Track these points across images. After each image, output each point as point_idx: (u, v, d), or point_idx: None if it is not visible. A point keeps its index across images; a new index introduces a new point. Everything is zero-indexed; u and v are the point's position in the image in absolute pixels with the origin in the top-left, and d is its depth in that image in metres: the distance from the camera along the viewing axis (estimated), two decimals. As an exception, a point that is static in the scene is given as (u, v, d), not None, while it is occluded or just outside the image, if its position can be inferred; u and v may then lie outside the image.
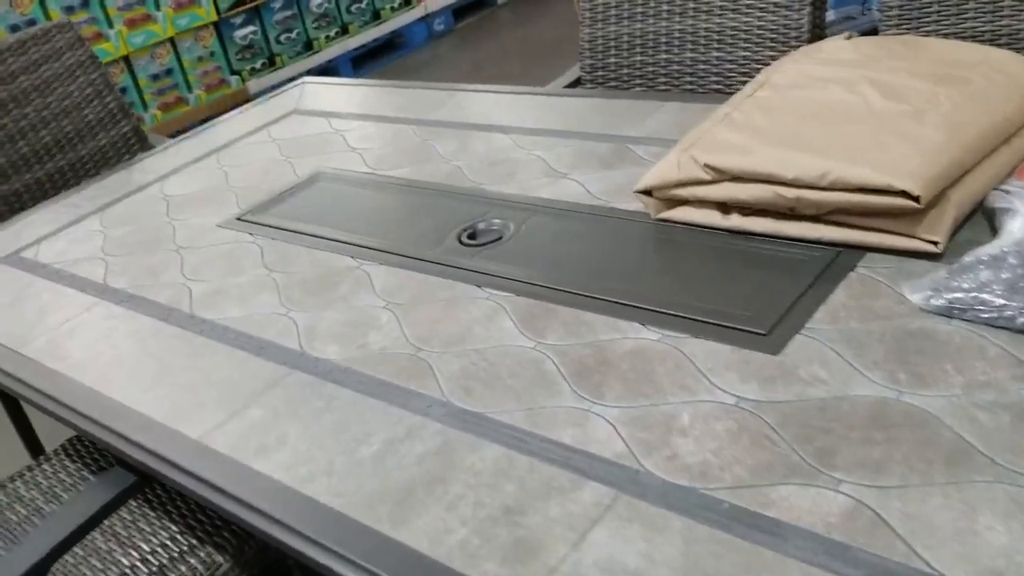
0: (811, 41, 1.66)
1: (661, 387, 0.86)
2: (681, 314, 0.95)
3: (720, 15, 1.76)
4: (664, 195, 1.11)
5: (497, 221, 1.23)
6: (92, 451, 1.41)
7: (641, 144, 1.36)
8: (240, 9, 3.94)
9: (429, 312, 1.06)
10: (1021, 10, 1.42)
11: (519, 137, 1.48)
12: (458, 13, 4.90)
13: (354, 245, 1.25)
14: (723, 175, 1.04)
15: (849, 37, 1.28)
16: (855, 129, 1.02)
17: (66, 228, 1.54)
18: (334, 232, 1.30)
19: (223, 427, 0.95)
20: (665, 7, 1.83)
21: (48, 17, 3.41)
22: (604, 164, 1.32)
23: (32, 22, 3.37)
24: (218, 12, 3.86)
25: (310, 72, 4.26)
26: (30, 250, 1.49)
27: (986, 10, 1.46)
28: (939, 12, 1.50)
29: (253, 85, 4.04)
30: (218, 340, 1.11)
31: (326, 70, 4.31)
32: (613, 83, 1.91)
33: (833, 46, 1.23)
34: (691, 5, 1.79)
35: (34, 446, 2.10)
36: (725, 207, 1.07)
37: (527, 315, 1.02)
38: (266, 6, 4.05)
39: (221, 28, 3.92)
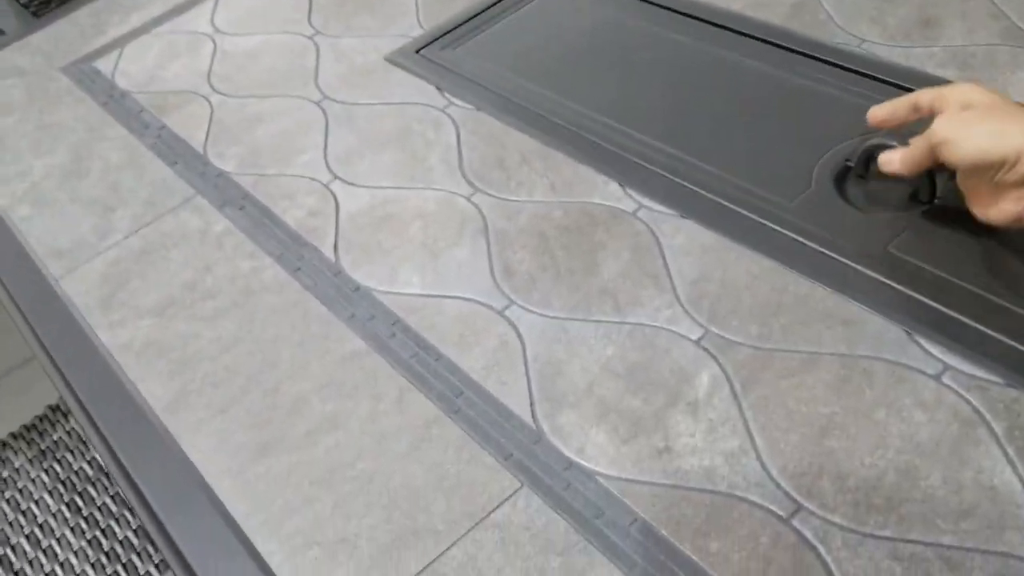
0: None
1: None
2: None
3: None
4: None
5: (920, 150, 0.62)
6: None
7: None
8: None
9: (803, 387, 0.52)
10: None
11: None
12: None
13: (626, 155, 0.68)
14: None
15: None
16: None
17: (167, 19, 1.01)
18: (585, 111, 0.73)
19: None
20: None
21: None
22: None
23: None
24: None
25: None
26: (108, 58, 0.97)
27: None
28: None
29: None
30: (380, 350, 0.60)
31: None
32: None
33: None
34: None
35: None
36: None
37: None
38: None
39: None
